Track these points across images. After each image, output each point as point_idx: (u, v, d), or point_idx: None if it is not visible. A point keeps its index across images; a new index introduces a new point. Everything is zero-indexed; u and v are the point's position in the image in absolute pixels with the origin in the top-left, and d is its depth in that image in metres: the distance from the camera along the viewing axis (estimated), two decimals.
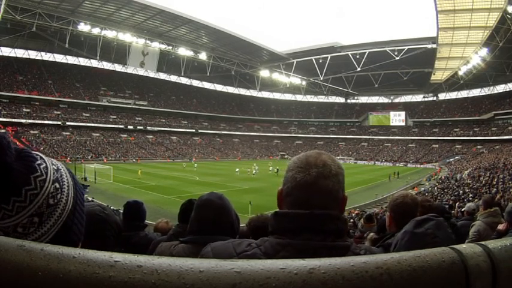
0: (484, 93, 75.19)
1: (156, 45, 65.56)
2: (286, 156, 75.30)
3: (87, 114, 66.51)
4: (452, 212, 7.11)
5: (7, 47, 63.60)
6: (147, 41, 64.30)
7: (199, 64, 74.57)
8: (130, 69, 75.59)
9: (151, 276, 0.47)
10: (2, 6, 38.20)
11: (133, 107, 73.72)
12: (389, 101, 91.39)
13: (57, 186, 0.65)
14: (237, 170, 43.12)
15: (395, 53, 64.92)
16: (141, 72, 77.94)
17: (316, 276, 0.50)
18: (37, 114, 59.44)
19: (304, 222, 0.78)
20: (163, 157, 62.65)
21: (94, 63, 73.51)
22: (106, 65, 75.70)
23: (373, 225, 4.20)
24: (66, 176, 0.69)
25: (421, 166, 61.57)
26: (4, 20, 44.83)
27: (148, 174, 38.14)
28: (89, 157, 53.10)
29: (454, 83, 71.78)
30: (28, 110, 58.83)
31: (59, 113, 62.84)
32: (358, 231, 4.91)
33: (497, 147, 59.46)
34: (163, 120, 77.17)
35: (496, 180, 22.85)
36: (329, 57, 70.76)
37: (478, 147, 64.38)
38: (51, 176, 0.65)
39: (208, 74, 76.07)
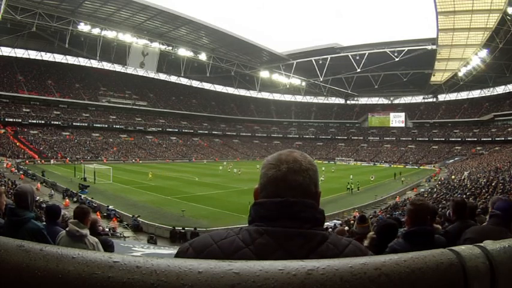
0: (484, 95, 75.22)
1: (156, 46, 65.54)
2: None
3: (87, 115, 66.47)
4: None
5: (7, 47, 63.64)
6: (147, 42, 64.29)
7: (199, 65, 74.57)
8: (130, 70, 75.58)
9: (150, 277, 0.48)
10: (2, 6, 38.17)
11: (133, 107, 73.67)
12: (389, 102, 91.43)
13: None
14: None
15: (395, 54, 64.97)
16: (141, 72, 77.94)
17: (315, 278, 0.50)
18: (37, 114, 59.41)
19: (280, 209, 0.83)
20: (163, 157, 62.62)
21: (94, 63, 73.55)
22: (106, 65, 75.71)
23: (366, 226, 4.20)
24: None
25: (420, 167, 61.51)
26: (4, 20, 44.82)
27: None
28: (88, 157, 53.04)
29: (453, 84, 71.84)
30: (28, 110, 58.80)
31: (58, 113, 62.81)
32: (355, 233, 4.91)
33: (496, 148, 59.51)
34: (163, 121, 77.14)
35: (495, 182, 22.82)
36: (329, 58, 70.80)
37: (478, 148, 64.41)
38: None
39: (208, 74, 76.06)
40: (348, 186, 31.81)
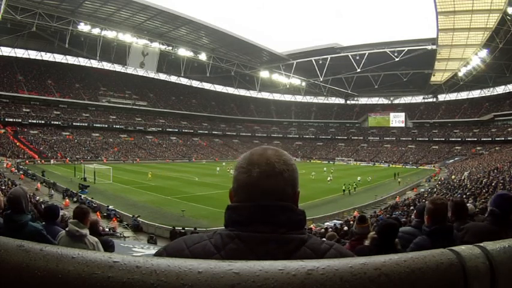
0: (484, 95, 75.18)
1: (156, 46, 65.53)
2: None
3: (87, 115, 66.47)
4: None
5: (7, 47, 63.63)
6: (147, 42, 64.28)
7: (199, 65, 74.58)
8: (130, 70, 75.56)
9: (150, 277, 0.48)
10: (2, 6, 38.14)
11: (133, 107, 73.67)
12: (389, 102, 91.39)
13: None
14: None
15: (395, 54, 64.97)
16: (141, 72, 77.93)
17: (315, 278, 0.50)
18: (37, 114, 59.40)
19: (252, 213, 0.78)
20: (163, 157, 62.60)
21: (94, 63, 73.53)
22: (106, 65, 75.69)
23: (366, 226, 4.18)
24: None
25: (419, 168, 61.43)
26: (4, 20, 44.80)
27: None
28: (88, 157, 53.02)
29: (453, 84, 71.84)
30: (28, 110, 58.79)
31: (58, 113, 62.80)
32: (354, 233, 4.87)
33: (497, 148, 59.50)
34: (163, 121, 77.13)
35: (495, 182, 22.78)
36: (329, 58, 70.81)
37: (478, 148, 64.41)
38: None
39: (208, 74, 76.07)
40: (344, 188, 30.96)
